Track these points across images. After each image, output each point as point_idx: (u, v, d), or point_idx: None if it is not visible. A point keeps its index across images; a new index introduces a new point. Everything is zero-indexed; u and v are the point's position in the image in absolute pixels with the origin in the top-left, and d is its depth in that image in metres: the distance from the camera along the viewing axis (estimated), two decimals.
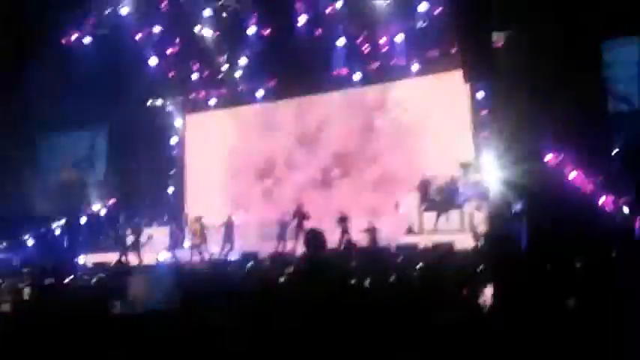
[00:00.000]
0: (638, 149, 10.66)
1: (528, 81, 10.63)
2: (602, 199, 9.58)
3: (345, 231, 11.97)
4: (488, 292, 4.52)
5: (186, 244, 14.06)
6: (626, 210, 9.65)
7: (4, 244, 13.86)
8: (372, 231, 11.74)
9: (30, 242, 14.27)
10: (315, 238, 4.30)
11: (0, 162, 14.14)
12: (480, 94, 13.19)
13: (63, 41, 15.01)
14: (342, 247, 11.14)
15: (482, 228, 10.33)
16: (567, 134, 10.17)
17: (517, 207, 9.96)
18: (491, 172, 11.62)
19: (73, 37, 15.19)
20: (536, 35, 10.87)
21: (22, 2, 13.28)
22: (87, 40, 15.23)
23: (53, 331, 4.06)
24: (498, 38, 12.13)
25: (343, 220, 12.16)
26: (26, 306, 6.37)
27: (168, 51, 15.90)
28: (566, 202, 9.38)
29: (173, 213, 15.39)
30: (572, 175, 10.18)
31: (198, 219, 13.35)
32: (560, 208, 9.16)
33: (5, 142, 14.40)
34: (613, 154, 10.24)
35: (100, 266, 11.60)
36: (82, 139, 16.46)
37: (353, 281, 5.20)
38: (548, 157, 10.55)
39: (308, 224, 11.60)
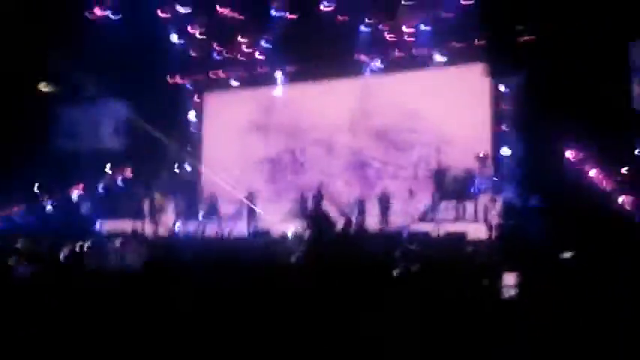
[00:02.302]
0: None
1: (552, 78, 10.60)
2: (621, 198, 9.56)
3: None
4: (508, 283, 4.53)
5: (200, 217, 14.34)
6: None
7: (23, 208, 14.19)
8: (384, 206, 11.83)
9: (48, 208, 14.61)
10: (316, 221, 4.36)
11: (20, 130, 14.34)
12: (502, 88, 13.13)
13: (87, 16, 15.11)
14: (352, 229, 11.21)
15: (496, 220, 10.39)
16: (589, 132, 10.14)
17: (533, 201, 10.00)
18: (508, 166, 11.66)
19: (98, 13, 15.28)
20: (562, 34, 10.81)
21: None
22: (111, 16, 15.31)
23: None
24: (523, 35, 12.09)
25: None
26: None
27: (192, 30, 15.93)
28: (585, 199, 9.39)
29: (188, 187, 15.65)
30: (592, 172, 10.17)
31: (212, 194, 13.59)
32: (578, 205, 9.17)
33: (27, 111, 14.63)
34: (636, 153, 10.18)
35: (115, 233, 11.94)
36: (103, 112, 16.67)
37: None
38: (569, 154, 10.54)
39: (326, 205, 11.69)
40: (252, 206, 13.78)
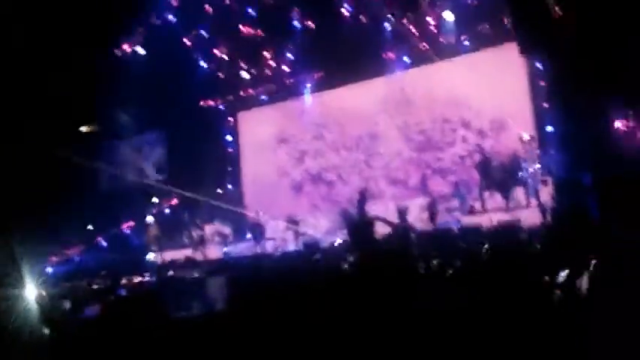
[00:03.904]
0: None
1: (590, 46, 10.09)
2: None
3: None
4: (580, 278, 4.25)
5: (248, 237, 14.50)
6: None
7: (81, 248, 14.66)
8: (432, 211, 11.55)
9: (104, 244, 15.07)
10: (360, 227, 4.20)
11: (65, 173, 14.79)
12: (539, 65, 12.66)
13: (116, 52, 15.59)
14: (399, 231, 10.97)
15: (549, 203, 9.94)
16: (637, 99, 9.59)
17: (585, 179, 9.51)
18: (555, 145, 11.17)
19: (126, 48, 15.75)
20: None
21: (73, 20, 13.81)
22: (138, 49, 15.75)
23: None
24: (555, 8, 11.59)
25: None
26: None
27: (216, 52, 16.18)
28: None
29: (233, 209, 15.77)
30: None
31: (257, 213, 13.67)
32: (633, 177, 8.64)
33: (72, 152, 15.02)
34: None
35: (168, 263, 12.15)
36: (142, 144, 17.10)
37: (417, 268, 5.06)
38: (618, 124, 10.01)
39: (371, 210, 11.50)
40: (296, 220, 13.77)
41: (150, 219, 15.02)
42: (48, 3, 12.78)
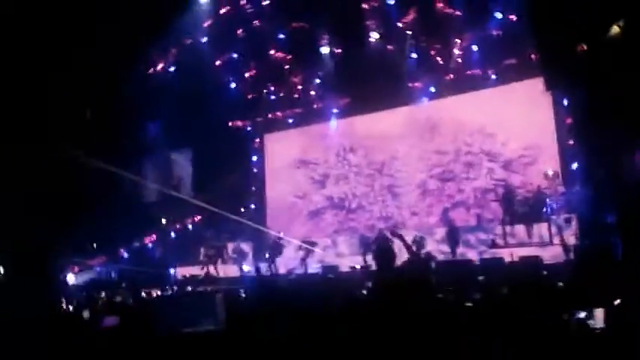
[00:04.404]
0: None
1: (616, 84, 10.10)
2: None
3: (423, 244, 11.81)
4: (597, 314, 4.25)
5: (267, 257, 14.54)
6: None
7: (104, 258, 14.90)
8: (452, 242, 11.54)
9: (125, 256, 15.28)
10: (382, 254, 4.25)
11: (92, 183, 15.06)
12: (563, 102, 12.68)
13: (150, 71, 16.04)
14: (420, 260, 10.96)
15: (572, 240, 9.85)
16: None
17: (610, 218, 9.43)
18: (580, 182, 11.11)
19: (159, 67, 16.20)
20: (620, 39, 10.32)
21: (108, 39, 14.29)
22: (171, 69, 16.18)
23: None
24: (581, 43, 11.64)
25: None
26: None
27: (246, 74, 16.54)
28: None
29: (255, 229, 15.90)
30: None
31: (278, 233, 13.80)
32: None
33: (102, 167, 15.32)
34: None
35: (189, 279, 12.32)
36: (170, 162, 17.43)
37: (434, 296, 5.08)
38: None
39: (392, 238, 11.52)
40: (314, 242, 13.86)
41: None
42: (90, 21, 13.25)
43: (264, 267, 13.76)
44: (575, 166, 12.03)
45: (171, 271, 14.05)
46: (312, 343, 3.85)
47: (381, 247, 4.49)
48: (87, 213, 14.44)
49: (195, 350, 4.29)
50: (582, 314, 4.36)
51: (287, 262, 13.86)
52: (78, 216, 14.29)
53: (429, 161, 14.98)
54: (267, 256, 14.46)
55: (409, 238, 12.05)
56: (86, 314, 7.00)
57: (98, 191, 14.87)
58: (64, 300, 9.06)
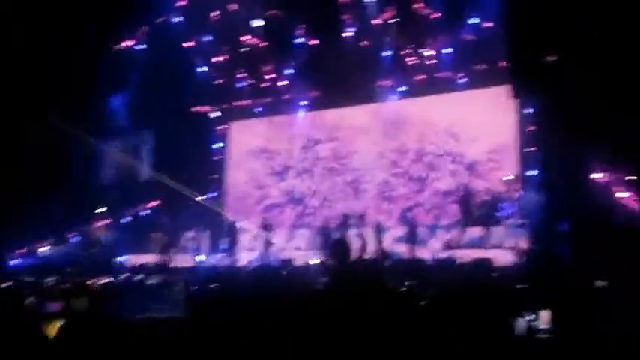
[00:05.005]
0: None
1: (579, 97, 10.36)
2: None
3: (380, 241, 11.89)
4: (542, 315, 4.33)
5: (221, 248, 14.30)
6: None
7: (49, 243, 14.35)
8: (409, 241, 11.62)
9: (73, 241, 14.74)
10: (338, 248, 4.24)
11: (44, 165, 14.49)
12: (528, 110, 12.91)
13: (114, 48, 15.56)
14: (376, 256, 11.03)
15: (524, 245, 10.06)
16: (618, 154, 9.82)
17: (562, 226, 9.68)
18: (536, 189, 11.36)
19: (125, 44, 15.74)
20: (588, 53, 10.60)
21: (77, 11, 13.79)
22: (138, 47, 15.75)
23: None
24: (548, 55, 11.90)
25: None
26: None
27: (215, 59, 16.23)
28: (613, 222, 9.05)
29: (212, 217, 15.62)
30: (621, 195, 9.82)
31: (233, 224, 13.59)
32: (606, 228, 8.84)
33: (51, 147, 14.72)
34: None
35: (140, 267, 11.95)
36: (128, 144, 16.89)
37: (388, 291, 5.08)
38: (597, 176, 10.22)
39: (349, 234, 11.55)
40: (272, 235, 13.69)
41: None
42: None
43: (220, 257, 13.54)
44: (533, 172, 12.28)
45: (121, 258, 13.56)
46: (267, 339, 3.78)
47: (336, 243, 4.46)
48: (35, 193, 13.88)
49: (154, 335, 4.13)
50: (528, 316, 4.44)
51: (244, 252, 13.68)
52: (25, 196, 13.74)
53: (391, 159, 15.01)
54: (223, 246, 14.20)
55: (369, 231, 12.19)
56: (31, 300, 6.76)
57: (47, 169, 14.33)
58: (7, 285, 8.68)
